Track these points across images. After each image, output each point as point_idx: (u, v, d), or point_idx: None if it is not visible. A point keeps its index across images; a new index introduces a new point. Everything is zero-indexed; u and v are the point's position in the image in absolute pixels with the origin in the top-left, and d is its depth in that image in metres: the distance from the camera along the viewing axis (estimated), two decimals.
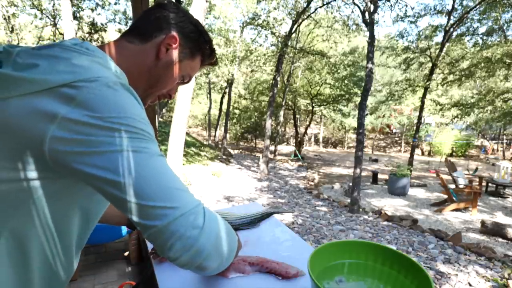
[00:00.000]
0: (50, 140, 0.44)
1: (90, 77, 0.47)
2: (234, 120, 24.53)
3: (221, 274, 0.81)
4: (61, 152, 0.44)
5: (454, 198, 7.16)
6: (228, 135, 22.74)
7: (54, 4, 12.30)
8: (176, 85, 0.73)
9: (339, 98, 18.43)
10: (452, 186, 7.69)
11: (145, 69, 0.66)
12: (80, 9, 11.78)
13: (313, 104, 18.89)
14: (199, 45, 0.70)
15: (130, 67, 0.64)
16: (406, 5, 11.53)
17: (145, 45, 0.65)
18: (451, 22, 11.74)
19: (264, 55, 16.39)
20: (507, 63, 11.32)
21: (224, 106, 20.13)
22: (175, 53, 0.67)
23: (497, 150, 21.19)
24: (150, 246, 0.86)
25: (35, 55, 0.49)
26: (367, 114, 18.65)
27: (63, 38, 10.24)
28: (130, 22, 13.18)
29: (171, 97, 0.75)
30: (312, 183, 10.75)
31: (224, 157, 15.91)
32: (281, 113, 17.29)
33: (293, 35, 13.95)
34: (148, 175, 0.46)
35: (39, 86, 0.45)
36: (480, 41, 12.89)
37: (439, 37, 13.58)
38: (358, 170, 7.05)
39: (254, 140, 25.65)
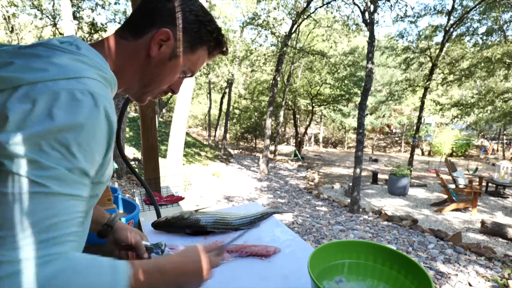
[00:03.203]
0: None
1: (61, 76, 0.46)
2: (234, 120, 24.52)
3: None
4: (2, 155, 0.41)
5: (454, 198, 7.15)
6: (228, 135, 22.74)
7: (54, 4, 12.30)
8: (178, 80, 0.70)
9: (339, 98, 18.41)
10: (452, 186, 7.68)
11: (138, 68, 0.63)
12: (80, 9, 11.77)
13: (313, 104, 18.88)
14: (200, 37, 0.66)
15: (123, 65, 0.62)
16: (406, 5, 11.48)
17: (137, 42, 0.62)
18: (451, 22, 11.73)
19: (264, 55, 16.39)
20: (507, 63, 11.31)
21: (224, 106, 20.14)
22: (169, 49, 0.63)
23: (497, 150, 21.17)
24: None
25: (15, 53, 0.49)
26: (367, 114, 18.65)
27: None
28: None
29: (175, 92, 0.72)
30: (312, 183, 10.74)
31: (224, 157, 15.92)
32: (281, 113, 17.29)
33: (293, 35, 13.93)
34: (20, 213, 0.40)
35: (10, 83, 0.44)
36: (480, 41, 12.88)
37: (439, 37, 13.60)
38: (358, 170, 7.05)
39: (254, 140, 25.62)
